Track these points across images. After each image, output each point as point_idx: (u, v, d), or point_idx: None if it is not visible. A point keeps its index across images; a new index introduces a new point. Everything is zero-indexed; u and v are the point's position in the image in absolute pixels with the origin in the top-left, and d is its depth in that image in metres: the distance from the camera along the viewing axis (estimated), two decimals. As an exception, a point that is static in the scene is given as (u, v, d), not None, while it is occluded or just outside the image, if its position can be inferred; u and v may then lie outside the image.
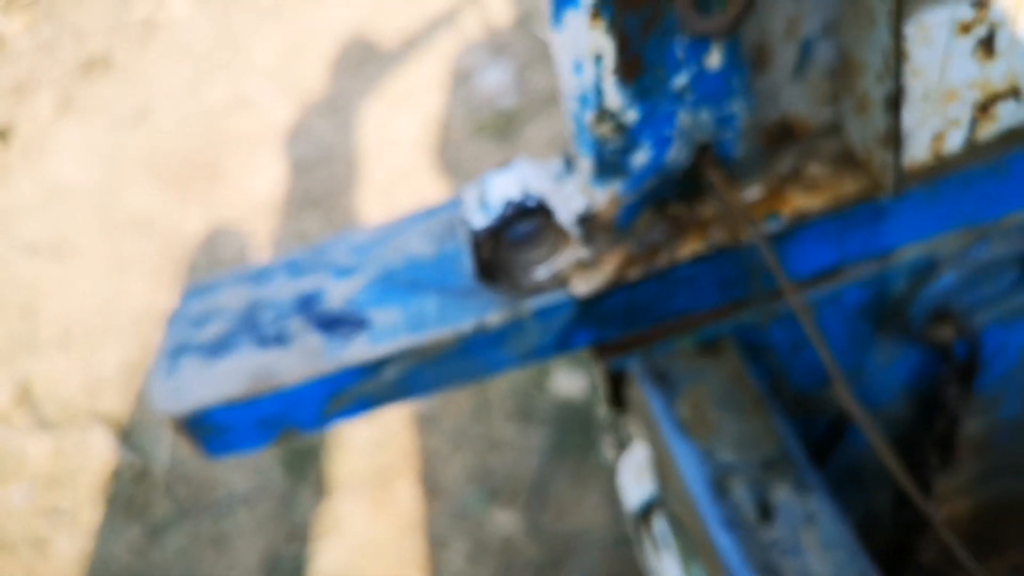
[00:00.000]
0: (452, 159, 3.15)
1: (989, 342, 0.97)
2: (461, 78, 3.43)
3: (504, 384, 2.59)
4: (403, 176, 3.17)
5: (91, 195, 3.47)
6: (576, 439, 2.43)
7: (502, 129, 3.22)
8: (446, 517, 2.39)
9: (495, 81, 3.39)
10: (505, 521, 2.34)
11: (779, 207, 0.79)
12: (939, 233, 0.83)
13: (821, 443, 0.95)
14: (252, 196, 3.27)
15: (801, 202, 0.79)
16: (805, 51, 0.76)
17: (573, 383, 2.55)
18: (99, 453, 2.74)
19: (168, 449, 2.69)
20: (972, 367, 0.91)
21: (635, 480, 1.05)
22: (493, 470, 2.46)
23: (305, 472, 2.55)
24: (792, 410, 0.91)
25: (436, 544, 2.35)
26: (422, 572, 2.31)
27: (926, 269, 0.85)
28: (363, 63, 3.64)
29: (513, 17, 3.60)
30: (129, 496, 2.62)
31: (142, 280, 3.12)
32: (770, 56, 0.76)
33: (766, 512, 0.68)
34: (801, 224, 0.79)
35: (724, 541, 0.67)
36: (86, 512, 2.60)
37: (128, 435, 2.76)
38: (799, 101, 0.80)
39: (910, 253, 0.84)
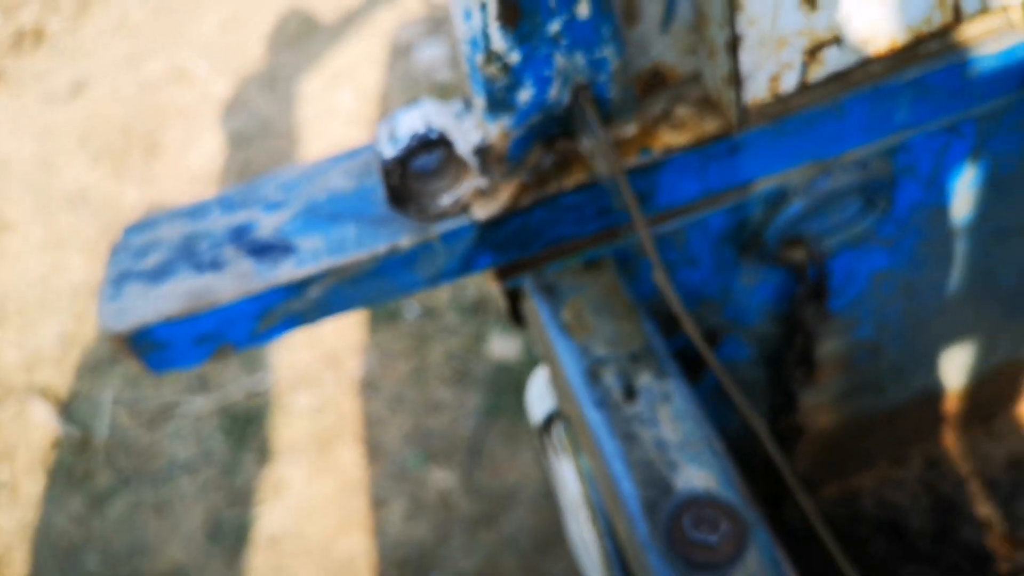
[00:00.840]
0: (388, 132, 3.21)
1: (841, 267, 1.12)
2: (399, 53, 3.49)
3: (441, 349, 2.66)
4: (341, 149, 3.22)
5: (25, 169, 3.44)
6: (510, 401, 2.50)
7: (436, 103, 3.30)
8: (386, 477, 2.44)
9: (432, 56, 3.45)
10: (442, 479, 2.41)
11: (650, 143, 0.92)
12: (788, 168, 0.97)
13: (694, 360, 1.08)
14: (190, 169, 3.29)
15: (669, 139, 0.92)
16: (669, 6, 0.88)
17: (508, 347, 2.62)
18: (38, 426, 2.73)
19: (108, 420, 2.70)
20: (822, 287, 1.06)
21: (539, 399, 1.18)
22: (431, 432, 2.51)
23: (246, 439, 2.58)
24: (668, 329, 1.05)
25: (376, 503, 2.40)
26: (363, 530, 2.37)
27: (778, 198, 0.99)
28: (302, 38, 3.68)
29: (448, -5, 3.66)
30: (69, 467, 2.61)
31: (79, 254, 3.12)
32: (639, 10, 0.88)
33: (630, 393, 0.81)
34: (669, 159, 0.92)
35: (594, 417, 0.80)
36: (26, 484, 2.59)
37: (67, 407, 2.75)
38: (668, 52, 0.93)
39: (764, 185, 0.98)
